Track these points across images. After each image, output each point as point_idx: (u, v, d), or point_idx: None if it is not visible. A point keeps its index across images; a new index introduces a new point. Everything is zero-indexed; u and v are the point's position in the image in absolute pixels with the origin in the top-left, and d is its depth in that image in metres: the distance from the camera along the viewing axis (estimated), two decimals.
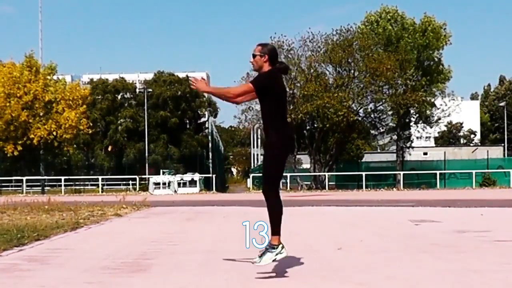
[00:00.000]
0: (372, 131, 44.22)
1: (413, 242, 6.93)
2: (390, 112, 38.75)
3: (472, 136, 78.11)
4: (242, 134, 50.03)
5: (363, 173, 34.36)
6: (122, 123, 57.00)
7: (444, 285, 4.32)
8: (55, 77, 40.57)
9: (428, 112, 39.04)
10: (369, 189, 32.10)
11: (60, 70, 42.80)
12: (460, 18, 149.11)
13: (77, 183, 42.88)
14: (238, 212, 12.97)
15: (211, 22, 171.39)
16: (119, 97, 58.97)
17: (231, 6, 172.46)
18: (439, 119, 39.88)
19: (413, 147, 43.42)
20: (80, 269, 5.16)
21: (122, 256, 5.99)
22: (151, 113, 53.77)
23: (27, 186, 36.90)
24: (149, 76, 62.98)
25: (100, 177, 38.41)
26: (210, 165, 53.05)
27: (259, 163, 54.94)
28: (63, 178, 36.77)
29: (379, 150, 66.36)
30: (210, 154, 54.85)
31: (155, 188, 33.48)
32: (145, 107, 51.34)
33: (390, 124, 41.97)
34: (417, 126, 40.17)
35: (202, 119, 61.42)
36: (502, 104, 63.86)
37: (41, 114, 37.99)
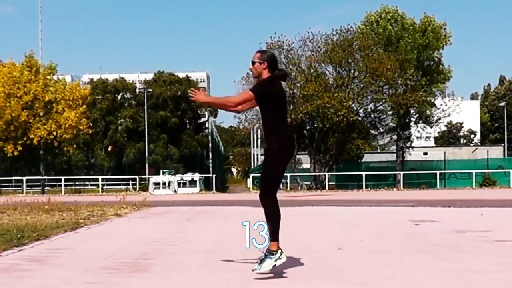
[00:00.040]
0: (372, 131, 44.20)
1: (413, 242, 6.93)
2: (390, 112, 38.73)
3: (472, 136, 78.15)
4: (242, 134, 50.00)
5: (363, 173, 34.33)
6: (122, 123, 57.03)
7: (444, 285, 4.32)
8: (55, 77, 40.57)
9: (428, 112, 39.03)
10: (369, 189, 32.08)
11: (60, 70, 42.91)
12: (460, 18, 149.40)
13: (77, 183, 42.85)
14: (238, 212, 12.97)
15: (211, 22, 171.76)
16: (119, 97, 59.01)
17: (231, 6, 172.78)
18: (439, 119, 39.86)
19: (413, 147, 43.42)
20: (80, 269, 5.16)
21: (122, 256, 5.99)
22: (151, 113, 53.76)
23: (27, 186, 36.86)
24: (149, 76, 63.05)
25: (100, 177, 38.38)
26: (210, 165, 52.96)
27: (259, 163, 54.89)
28: (63, 178, 36.72)
29: (379, 150, 66.34)
30: (210, 154, 54.78)
31: (155, 188, 33.46)
32: (145, 107, 51.31)
33: (390, 124, 41.97)
34: (417, 126, 40.16)
35: (202, 119, 61.40)
36: (502, 104, 63.86)
37: (41, 114, 37.98)
